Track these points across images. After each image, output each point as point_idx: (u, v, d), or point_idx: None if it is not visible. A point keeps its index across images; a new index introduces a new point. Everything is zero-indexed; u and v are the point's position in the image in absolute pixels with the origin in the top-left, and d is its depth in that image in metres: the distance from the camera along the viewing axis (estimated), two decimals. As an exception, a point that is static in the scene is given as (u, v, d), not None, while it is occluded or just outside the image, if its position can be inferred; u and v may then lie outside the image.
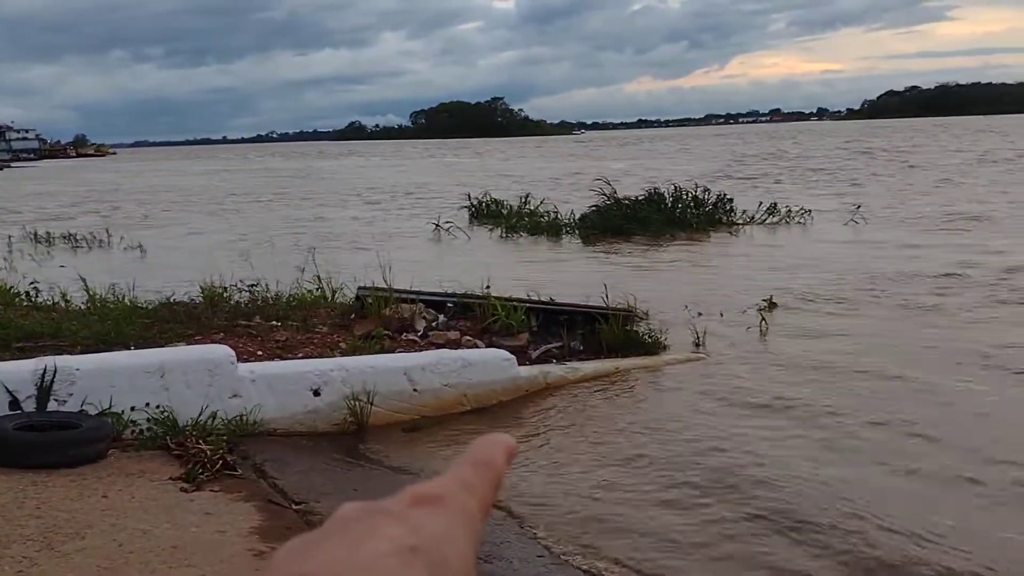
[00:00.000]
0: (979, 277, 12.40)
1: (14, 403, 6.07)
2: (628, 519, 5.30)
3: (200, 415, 6.27)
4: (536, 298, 9.35)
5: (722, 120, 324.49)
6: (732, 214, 20.03)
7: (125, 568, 4.28)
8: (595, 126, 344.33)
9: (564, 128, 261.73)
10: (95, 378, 6.26)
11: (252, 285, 9.74)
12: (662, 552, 4.89)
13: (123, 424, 6.17)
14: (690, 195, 19.92)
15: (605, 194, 19.73)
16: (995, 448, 6.28)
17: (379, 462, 6.48)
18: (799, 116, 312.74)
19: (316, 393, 6.92)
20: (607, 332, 8.77)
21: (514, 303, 9.03)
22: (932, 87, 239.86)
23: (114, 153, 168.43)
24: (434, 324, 8.95)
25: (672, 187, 20.06)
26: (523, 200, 22.01)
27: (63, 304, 9.26)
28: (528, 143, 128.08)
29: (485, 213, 22.36)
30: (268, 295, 9.56)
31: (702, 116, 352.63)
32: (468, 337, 8.62)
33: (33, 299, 9.41)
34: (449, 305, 9.33)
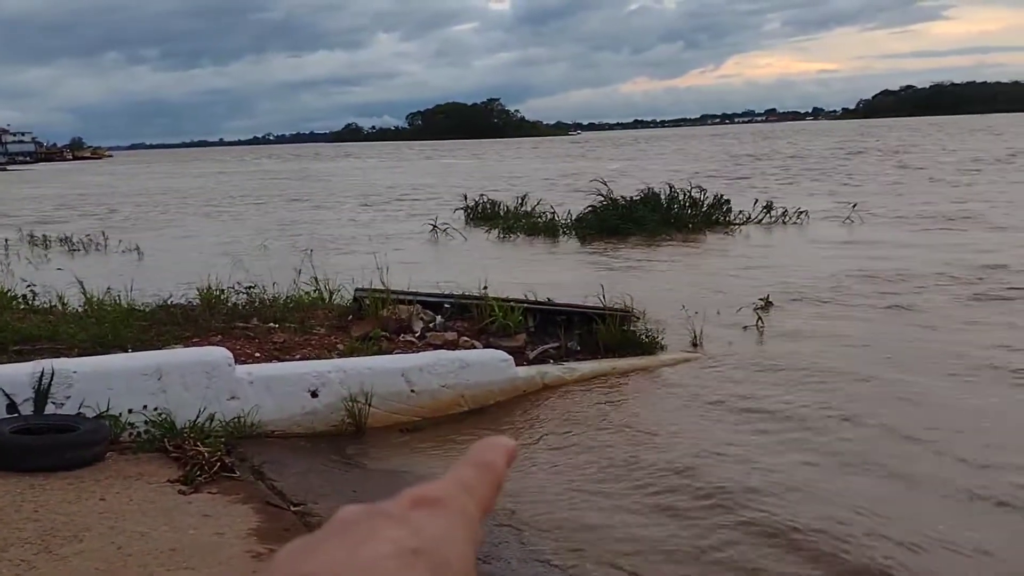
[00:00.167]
0: (976, 277, 12.39)
1: (11, 406, 6.06)
2: (620, 524, 5.24)
3: (198, 417, 6.26)
4: (533, 298, 9.35)
5: (718, 120, 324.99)
6: (728, 214, 20.06)
7: (123, 571, 4.27)
8: (591, 127, 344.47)
9: (560, 129, 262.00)
10: (92, 381, 6.26)
11: (249, 287, 9.73)
12: (653, 559, 4.84)
13: (121, 427, 6.16)
14: (686, 195, 19.93)
15: (601, 195, 19.74)
16: (992, 453, 6.19)
17: (377, 463, 6.48)
18: (795, 116, 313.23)
19: (314, 394, 6.92)
20: (604, 332, 8.78)
21: (511, 304, 9.03)
22: (927, 86, 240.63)
23: (110, 156, 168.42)
24: (431, 325, 8.95)
25: (668, 188, 20.07)
26: (520, 201, 22.02)
27: (60, 307, 9.25)
28: (524, 144, 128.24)
29: (482, 214, 22.36)
30: (265, 297, 9.56)
31: (698, 116, 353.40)
32: (465, 338, 8.62)
33: (30, 302, 9.41)
34: (446, 306, 9.33)
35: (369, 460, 6.55)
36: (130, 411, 6.25)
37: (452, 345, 8.38)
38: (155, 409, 6.29)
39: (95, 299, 9.24)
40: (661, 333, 9.06)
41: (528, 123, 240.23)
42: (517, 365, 7.96)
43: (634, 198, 19.63)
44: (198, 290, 9.45)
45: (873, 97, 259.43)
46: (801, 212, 20.05)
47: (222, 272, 10.24)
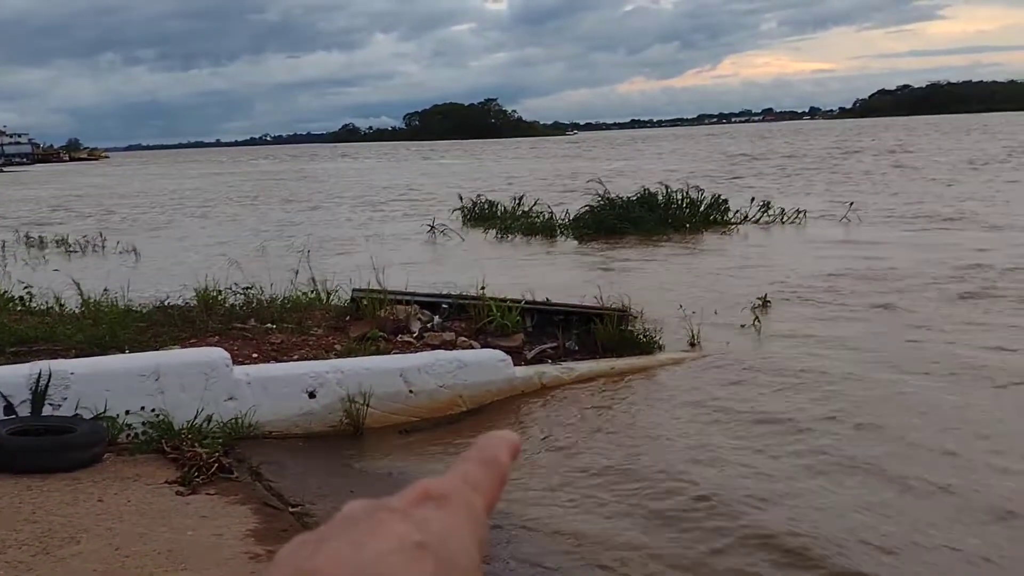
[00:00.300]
0: (971, 277, 12.39)
1: (8, 408, 6.05)
2: (613, 528, 5.20)
3: (195, 418, 6.26)
4: (531, 298, 9.35)
5: (714, 120, 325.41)
6: (726, 213, 20.08)
7: (121, 572, 4.27)
8: (588, 127, 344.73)
9: (557, 129, 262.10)
10: (90, 382, 6.25)
11: (247, 288, 9.72)
12: (646, 564, 4.78)
13: (118, 428, 6.15)
14: (683, 195, 19.94)
15: (599, 194, 19.75)
16: (987, 457, 6.11)
17: (375, 464, 6.47)
18: (791, 115, 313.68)
19: (312, 395, 6.91)
20: (602, 332, 8.78)
21: (509, 303, 9.03)
22: (924, 86, 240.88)
23: (107, 157, 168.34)
24: (429, 325, 8.95)
25: (665, 187, 20.09)
26: (517, 201, 22.03)
27: (57, 308, 9.23)
28: (521, 144, 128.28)
29: (479, 215, 22.36)
30: (263, 298, 9.54)
31: (695, 116, 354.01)
32: (463, 338, 8.62)
33: (27, 303, 9.39)
34: (444, 306, 9.33)
35: (367, 461, 6.55)
36: (127, 412, 6.25)
37: (450, 345, 8.38)
38: (153, 410, 6.28)
39: (92, 300, 9.22)
40: (659, 333, 9.06)
41: (525, 123, 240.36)
42: (515, 365, 7.96)
43: (631, 198, 19.64)
44: (195, 291, 9.44)
45: (870, 97, 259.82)
46: (799, 212, 20.07)
47: (219, 273, 10.24)
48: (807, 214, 20.07)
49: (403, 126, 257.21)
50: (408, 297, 9.29)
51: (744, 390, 7.84)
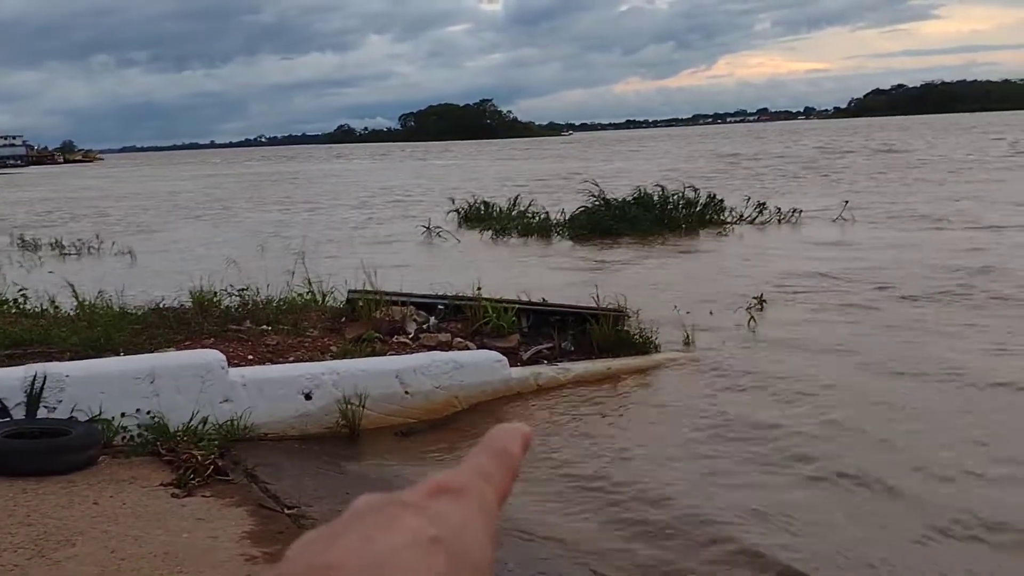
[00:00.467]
0: (966, 278, 12.35)
1: (3, 411, 6.03)
2: (602, 538, 5.14)
3: (191, 420, 6.24)
4: (527, 299, 9.35)
5: (710, 120, 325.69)
6: (721, 213, 20.10)
7: (117, 575, 4.26)
8: (583, 127, 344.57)
9: (553, 130, 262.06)
10: (85, 384, 6.23)
11: (242, 290, 9.70)
12: None
13: (113, 430, 6.14)
14: (679, 195, 19.96)
15: (594, 195, 19.76)
16: (979, 466, 5.94)
17: (371, 465, 6.47)
18: (786, 115, 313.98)
19: (307, 397, 6.90)
20: (598, 332, 8.78)
21: (505, 304, 9.03)
22: (918, 85, 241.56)
23: (102, 159, 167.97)
24: (425, 326, 8.94)
25: (660, 188, 20.11)
26: (512, 202, 22.04)
27: (52, 311, 9.21)
28: (517, 145, 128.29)
29: (475, 216, 22.36)
30: (258, 299, 9.53)
31: (690, 116, 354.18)
32: (459, 339, 8.62)
33: (21, 306, 9.36)
34: (440, 307, 9.32)
35: (363, 462, 6.54)
36: (123, 415, 6.23)
37: (446, 346, 8.37)
38: (148, 412, 6.27)
39: (87, 302, 9.20)
40: (655, 333, 9.06)
41: (520, 124, 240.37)
42: (511, 366, 7.96)
43: (627, 199, 19.66)
44: (190, 293, 9.42)
45: (865, 96, 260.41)
46: (794, 211, 20.10)
47: (214, 275, 10.22)
48: (802, 214, 20.11)
49: (398, 127, 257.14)
50: (404, 298, 9.28)
51: (735, 395, 7.75)
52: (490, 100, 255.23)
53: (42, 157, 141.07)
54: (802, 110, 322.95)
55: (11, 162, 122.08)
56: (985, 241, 15.77)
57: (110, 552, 4.47)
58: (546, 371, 8.19)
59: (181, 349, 7.61)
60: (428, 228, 19.94)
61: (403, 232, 21.33)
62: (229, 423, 6.42)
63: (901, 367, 8.33)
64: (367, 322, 8.70)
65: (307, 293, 10.04)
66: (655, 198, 19.76)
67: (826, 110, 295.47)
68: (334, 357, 7.76)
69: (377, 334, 8.46)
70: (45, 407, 6.10)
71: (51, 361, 6.68)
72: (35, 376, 6.09)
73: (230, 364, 6.87)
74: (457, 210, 22.80)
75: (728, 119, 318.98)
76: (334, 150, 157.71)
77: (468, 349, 8.30)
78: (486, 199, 23.10)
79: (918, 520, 5.27)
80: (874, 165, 38.60)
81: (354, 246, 18.30)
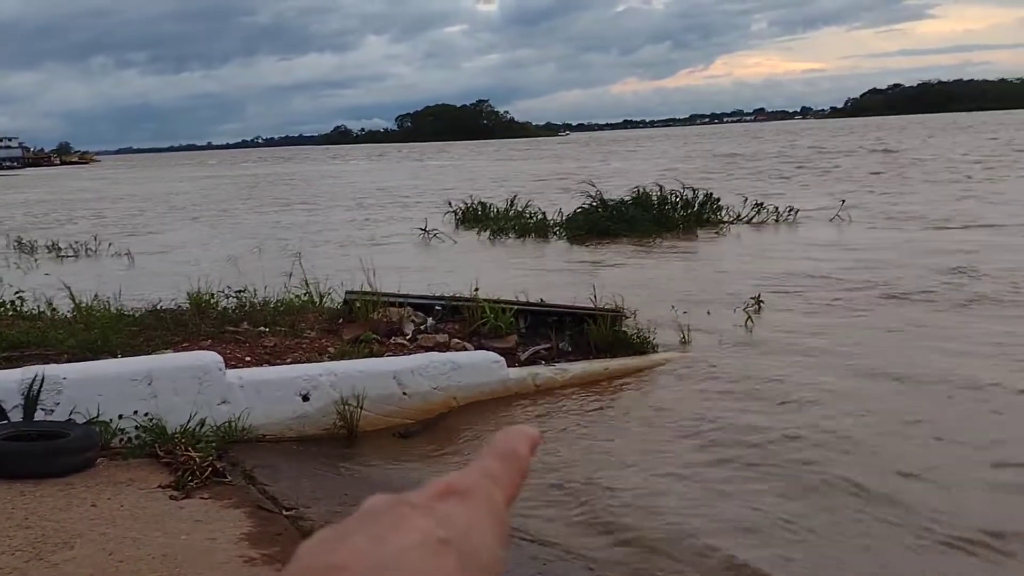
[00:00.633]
0: (964, 279, 12.33)
1: (1, 413, 6.03)
2: (592, 545, 5.05)
3: (189, 422, 6.24)
4: (524, 300, 9.36)
5: (707, 120, 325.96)
6: (719, 212, 20.12)
7: (115, 577, 4.25)
8: (580, 127, 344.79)
9: (550, 130, 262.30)
10: (82, 387, 6.23)
11: (239, 291, 9.70)
12: None
13: (111, 432, 6.13)
14: (677, 195, 19.97)
15: (591, 196, 19.77)
16: (986, 477, 5.80)
17: (369, 466, 6.46)
18: (783, 115, 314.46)
19: (305, 398, 6.90)
20: (595, 333, 8.79)
21: (502, 305, 9.03)
22: (915, 85, 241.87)
23: (98, 161, 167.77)
24: (423, 327, 8.94)
25: (658, 188, 20.12)
26: (509, 202, 22.04)
27: (49, 313, 9.20)
28: (514, 145, 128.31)
29: (472, 217, 22.36)
30: (256, 301, 9.53)
31: (687, 116, 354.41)
32: (457, 340, 8.62)
33: (18, 308, 9.35)
34: (437, 308, 9.32)
35: (361, 463, 6.53)
36: (120, 417, 6.23)
37: (443, 347, 8.37)
38: (146, 414, 6.27)
39: (84, 304, 9.19)
40: (652, 333, 9.06)
41: (517, 124, 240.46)
42: (509, 366, 7.96)
43: (624, 199, 19.67)
44: (188, 294, 9.42)
45: (861, 96, 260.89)
46: (791, 211, 20.12)
47: (211, 276, 10.22)
48: (799, 213, 20.13)
49: (395, 128, 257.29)
50: (401, 299, 9.28)
51: (731, 398, 7.66)
52: (487, 101, 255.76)
53: (38, 159, 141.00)
54: (799, 110, 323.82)
55: (7, 164, 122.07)
56: (983, 241, 15.78)
57: (108, 554, 4.47)
58: (544, 372, 8.20)
59: (178, 351, 7.60)
60: (424, 230, 19.93)
61: (400, 233, 21.32)
62: (227, 425, 6.42)
63: (898, 370, 8.23)
64: (364, 323, 8.70)
65: (304, 294, 10.04)
66: (654, 198, 19.76)
67: (823, 110, 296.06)
68: (332, 358, 7.76)
69: (375, 335, 8.46)
70: (43, 409, 6.10)
71: (48, 363, 6.68)
72: (33, 378, 6.09)
73: (228, 366, 6.86)
74: (454, 211, 22.80)
75: (725, 119, 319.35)
76: (331, 151, 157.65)
77: (466, 350, 8.30)
78: (483, 200, 23.10)
79: (911, 530, 5.15)
80: (871, 165, 38.62)
81: (351, 247, 18.28)
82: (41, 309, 9.34)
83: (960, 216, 19.22)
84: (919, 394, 7.64)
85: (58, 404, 6.13)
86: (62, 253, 18.89)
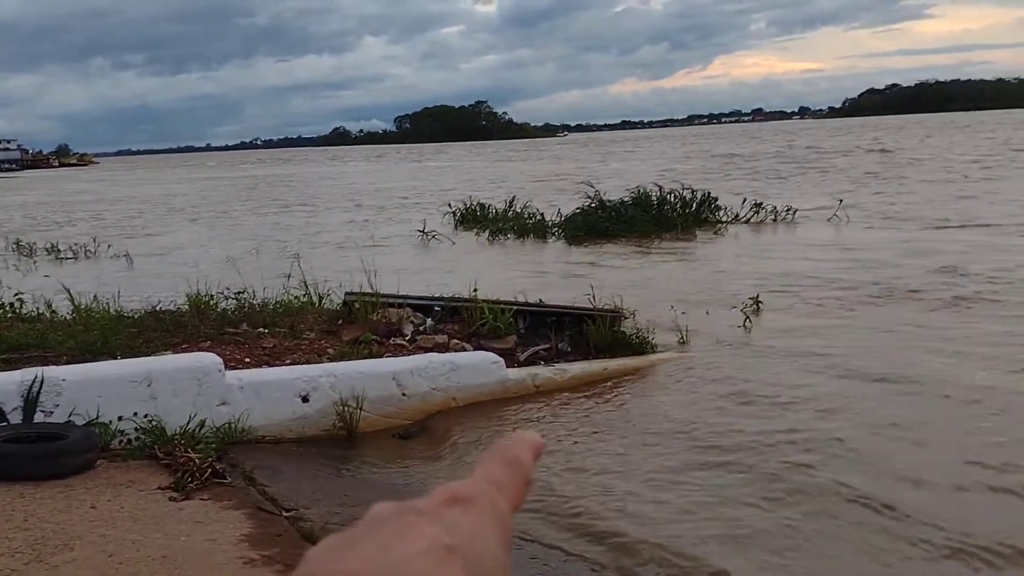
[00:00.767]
0: (967, 280, 12.32)
1: (0, 415, 6.03)
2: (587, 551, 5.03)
3: (188, 423, 6.24)
4: (523, 300, 9.36)
5: (705, 120, 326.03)
6: (717, 213, 20.13)
7: (115, 578, 4.26)
8: (579, 128, 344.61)
9: (548, 131, 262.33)
10: (82, 388, 6.23)
11: (239, 292, 9.71)
12: None
13: (111, 434, 6.14)
14: (676, 196, 19.98)
15: (589, 196, 19.78)
16: (984, 480, 5.75)
17: (369, 467, 6.47)
18: (781, 115, 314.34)
19: (305, 399, 6.91)
20: (595, 333, 8.79)
21: (501, 305, 9.03)
22: (912, 85, 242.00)
23: (97, 162, 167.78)
24: (422, 328, 8.95)
25: (657, 188, 20.13)
26: (508, 203, 22.05)
27: (48, 315, 9.20)
28: (512, 146, 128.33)
29: (471, 217, 22.37)
30: (255, 302, 9.53)
31: (685, 116, 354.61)
32: (456, 340, 8.62)
33: (17, 310, 9.35)
34: (436, 309, 9.33)
35: (361, 464, 6.54)
36: (120, 418, 6.23)
37: (443, 348, 8.38)
38: (145, 416, 6.27)
39: (83, 306, 9.20)
40: (651, 333, 9.06)
41: (516, 125, 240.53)
42: (508, 367, 7.97)
43: (623, 200, 19.68)
44: (187, 296, 9.42)
45: (859, 96, 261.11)
46: (789, 211, 20.14)
47: (211, 278, 10.22)
48: (797, 213, 20.14)
49: (394, 129, 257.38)
50: (400, 300, 9.29)
51: (728, 399, 7.63)
52: (485, 102, 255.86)
53: (37, 161, 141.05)
54: (797, 110, 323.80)
55: (6, 166, 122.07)
56: (981, 241, 15.79)
57: (108, 556, 4.47)
58: (543, 372, 8.20)
59: (178, 352, 7.61)
60: (423, 231, 19.93)
61: (399, 234, 21.33)
62: (226, 426, 6.42)
63: (896, 372, 8.16)
64: (364, 324, 8.70)
65: (304, 295, 10.04)
66: (652, 198, 19.77)
67: (821, 110, 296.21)
68: (331, 359, 7.76)
69: (374, 336, 8.46)
70: (42, 411, 6.10)
71: (48, 365, 6.68)
72: (32, 380, 6.09)
73: (227, 367, 6.87)
74: (453, 212, 22.80)
75: (723, 119, 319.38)
76: (329, 152, 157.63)
77: (465, 351, 8.30)
78: (482, 200, 23.11)
79: (907, 536, 5.10)
80: (868, 165, 38.63)
81: (350, 248, 18.28)
82: (40, 311, 9.35)
83: (958, 216, 19.22)
84: (916, 396, 7.60)
85: (57, 406, 6.14)
86: (61, 255, 18.89)
